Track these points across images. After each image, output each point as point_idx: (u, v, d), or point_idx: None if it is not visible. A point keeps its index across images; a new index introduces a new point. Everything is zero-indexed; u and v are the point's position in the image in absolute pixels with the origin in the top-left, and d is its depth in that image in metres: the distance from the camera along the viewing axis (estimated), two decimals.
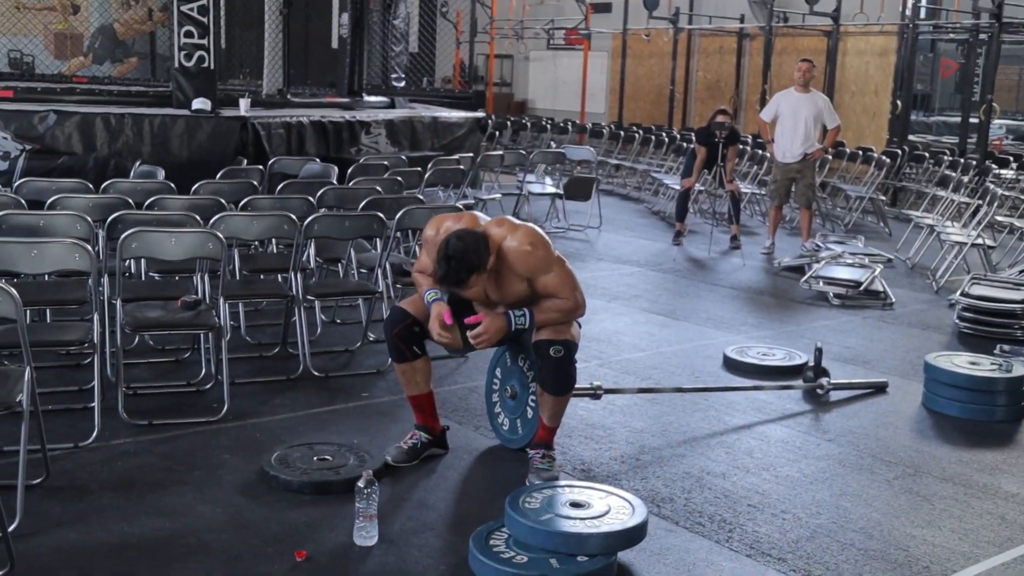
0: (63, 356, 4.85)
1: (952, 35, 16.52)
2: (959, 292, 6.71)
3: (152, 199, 5.55)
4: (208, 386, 4.76)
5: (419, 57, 13.16)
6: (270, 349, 5.43)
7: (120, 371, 4.39)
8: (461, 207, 6.13)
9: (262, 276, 5.81)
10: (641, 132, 14.99)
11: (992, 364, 5.03)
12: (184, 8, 8.82)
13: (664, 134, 14.64)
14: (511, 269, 3.73)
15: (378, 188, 6.45)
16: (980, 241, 8.01)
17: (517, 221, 3.86)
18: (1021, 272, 7.26)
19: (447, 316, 3.79)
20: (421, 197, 6.53)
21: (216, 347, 4.68)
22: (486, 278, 3.69)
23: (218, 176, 6.97)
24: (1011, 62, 16.48)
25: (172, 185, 6.26)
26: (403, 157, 8.95)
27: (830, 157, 11.71)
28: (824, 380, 5.09)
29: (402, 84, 11.66)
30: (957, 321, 6.57)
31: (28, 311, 4.85)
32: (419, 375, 3.99)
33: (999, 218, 9.20)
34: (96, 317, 4.19)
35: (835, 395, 5.10)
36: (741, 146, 11.53)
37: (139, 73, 17.58)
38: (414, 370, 3.97)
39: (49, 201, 5.37)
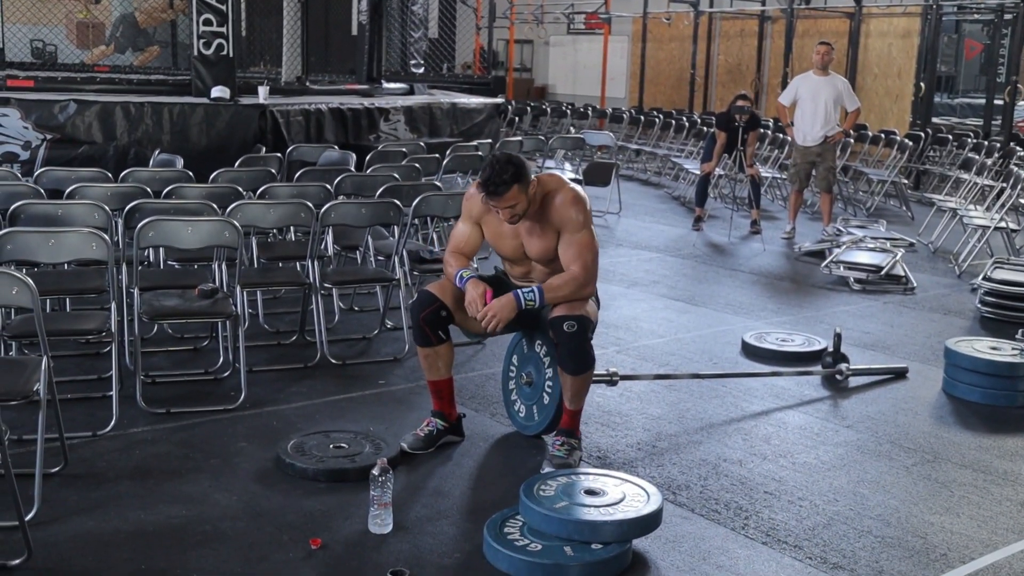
0: (82, 345, 4.88)
1: (977, 16, 16.31)
2: (981, 276, 6.65)
3: (170, 188, 5.57)
4: (226, 374, 4.79)
5: (439, 43, 13.16)
6: (288, 337, 5.45)
7: (138, 359, 4.42)
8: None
9: (280, 264, 5.83)
10: (661, 117, 14.91)
11: (1013, 349, 4.98)
12: None
13: (685, 119, 14.56)
14: (548, 218, 3.82)
15: (396, 175, 6.45)
16: (1003, 224, 7.93)
17: (570, 182, 3.92)
18: None
19: (489, 295, 3.83)
20: (439, 184, 6.52)
21: (233, 335, 4.69)
22: (528, 211, 3.77)
23: (236, 164, 6.98)
24: None
25: (191, 173, 6.28)
26: (422, 144, 8.94)
27: (851, 140, 11.62)
28: (843, 366, 5.06)
29: (421, 70, 11.64)
30: (979, 306, 6.51)
31: (47, 301, 4.92)
32: (441, 360, 3.99)
33: (1023, 201, 9.09)
34: (114, 306, 4.21)
35: (854, 381, 5.07)
36: (762, 131, 11.45)
37: (161, 62, 17.65)
38: (437, 355, 3.97)
39: (68, 190, 5.40)
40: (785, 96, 9.19)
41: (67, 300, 5.22)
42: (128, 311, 4.68)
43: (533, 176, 3.81)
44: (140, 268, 4.69)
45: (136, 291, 4.51)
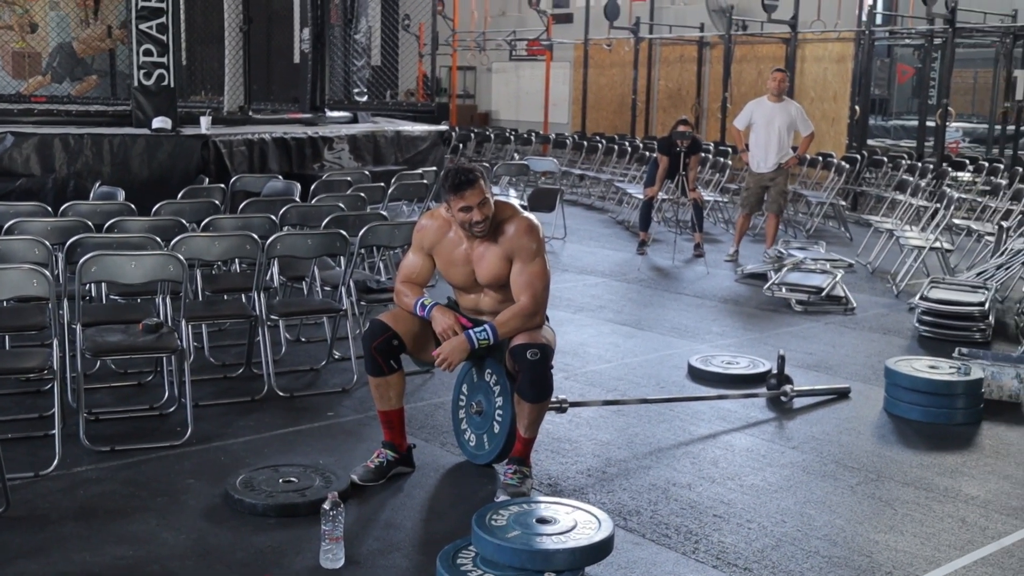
0: (22, 383, 4.80)
1: (908, 40, 16.75)
2: (918, 296, 6.80)
3: (112, 221, 5.50)
4: (171, 409, 4.73)
5: (381, 70, 13.18)
6: (234, 370, 5.40)
7: (81, 397, 4.35)
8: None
9: (225, 296, 5.78)
10: (604, 142, 15.06)
11: (951, 367, 5.10)
12: (143, 27, 8.77)
13: (627, 143, 14.73)
14: (501, 245, 3.87)
15: (341, 205, 6.44)
16: (938, 245, 8.12)
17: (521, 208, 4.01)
18: (979, 275, 7.36)
19: (463, 320, 3.91)
20: (384, 213, 6.52)
21: (179, 370, 4.64)
22: (488, 225, 3.83)
23: (179, 196, 6.93)
24: (965, 65, 16.71)
25: (132, 206, 6.22)
26: (366, 172, 8.93)
27: (805, 165, 11.84)
28: (787, 387, 5.14)
29: (364, 98, 11.64)
30: (917, 325, 6.65)
31: None
32: (393, 390, 3.99)
33: (956, 221, 9.33)
34: (56, 343, 4.15)
35: (799, 402, 5.15)
36: (703, 154, 11.62)
37: (99, 92, 17.44)
38: (388, 385, 3.97)
39: (7, 225, 5.31)
40: (740, 120, 9.30)
41: (6, 337, 5.13)
42: (70, 347, 4.61)
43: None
44: (82, 303, 4.62)
45: (79, 327, 4.45)
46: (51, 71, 18.13)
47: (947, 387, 4.89)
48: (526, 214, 3.97)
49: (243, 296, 5.75)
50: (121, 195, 6.81)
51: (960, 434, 4.79)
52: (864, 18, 14.38)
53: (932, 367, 5.10)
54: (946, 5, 13.15)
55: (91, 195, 7.08)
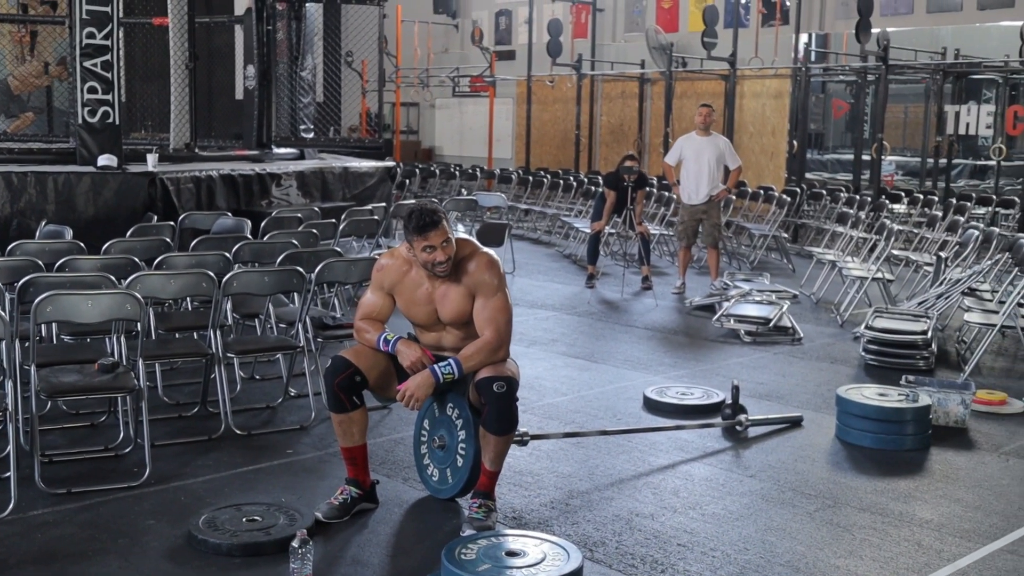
0: None
1: (842, 77, 17.20)
2: (863, 325, 6.96)
3: (63, 260, 5.43)
4: (127, 450, 4.67)
5: (325, 107, 13.18)
6: (189, 409, 5.35)
7: (36, 439, 4.27)
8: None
9: (176, 335, 5.73)
10: (549, 177, 15.19)
11: (900, 395, 5.23)
12: (88, 64, 8.70)
13: (572, 178, 14.88)
14: (462, 282, 3.91)
15: (295, 241, 6.43)
16: (880, 275, 8.32)
17: (483, 247, 4.05)
18: (920, 304, 7.56)
19: (429, 354, 3.93)
20: (339, 249, 6.53)
21: (135, 410, 4.59)
22: (450, 265, 3.86)
23: (128, 234, 6.86)
24: (896, 101, 17.17)
25: (82, 245, 6.15)
26: (316, 209, 8.92)
27: (733, 197, 12.06)
28: (742, 417, 5.22)
29: (311, 135, 11.64)
30: (863, 353, 6.80)
31: None
32: (356, 427, 3.99)
33: (895, 252, 9.57)
34: (10, 384, 4.08)
35: (753, 431, 5.24)
36: (648, 189, 11.79)
37: (35, 128, 17.19)
38: (351, 421, 3.97)
39: None
40: (670, 156, 9.51)
41: None
42: (23, 388, 4.53)
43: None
44: (36, 344, 4.55)
45: (33, 368, 4.38)
46: None
47: (897, 414, 5.01)
48: (485, 250, 4.02)
49: (195, 334, 5.71)
50: (69, 234, 6.73)
51: (911, 460, 4.90)
52: (800, 55, 14.75)
53: (881, 395, 5.23)
54: (878, 43, 13.55)
55: (37, 234, 6.98)
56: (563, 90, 18.63)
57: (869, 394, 5.23)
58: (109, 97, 8.84)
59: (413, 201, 10.48)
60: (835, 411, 5.27)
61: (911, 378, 5.64)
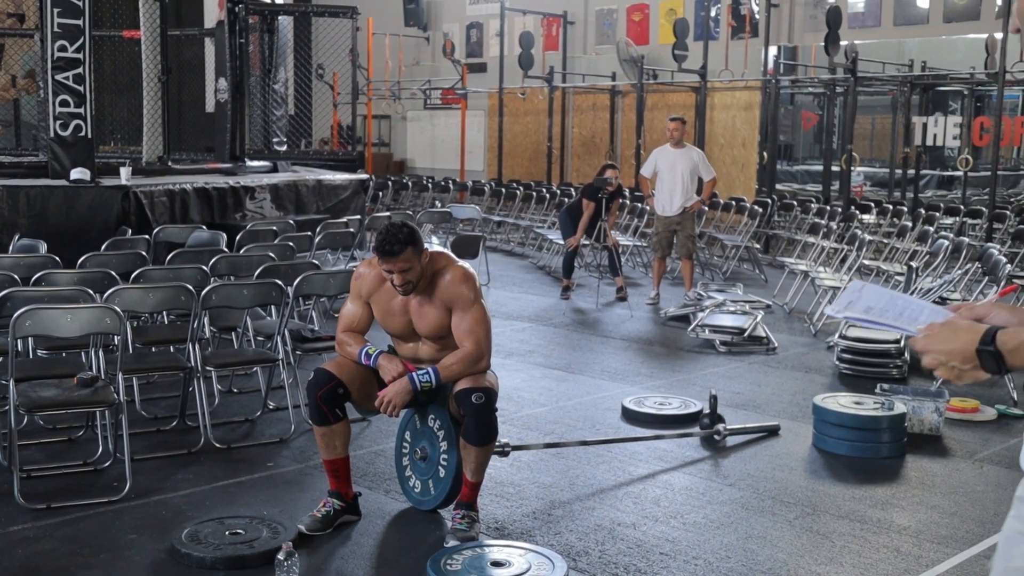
0: None
1: (811, 89, 17.39)
2: (837, 335, 7.04)
3: (39, 274, 5.40)
4: (106, 464, 4.64)
5: (296, 119, 13.18)
6: (167, 423, 5.32)
7: (15, 454, 4.24)
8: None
9: (154, 348, 5.70)
10: (522, 189, 15.24)
11: (875, 403, 5.29)
12: (59, 77, 8.65)
13: (544, 190, 14.92)
14: (438, 295, 3.91)
15: (271, 254, 6.42)
16: None
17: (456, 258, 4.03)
18: None
19: (410, 367, 3.93)
20: (316, 262, 6.52)
21: (115, 424, 4.56)
22: (420, 283, 3.87)
23: (103, 247, 6.82)
24: (864, 112, 17.36)
25: (57, 259, 6.11)
26: (291, 222, 8.91)
27: (707, 208, 12.16)
28: (720, 426, 5.26)
29: (284, 148, 11.62)
30: (837, 362, 6.88)
31: None
32: (338, 439, 3.99)
33: (866, 262, 9.68)
34: None
35: (732, 440, 5.28)
36: (621, 200, 11.86)
37: (3, 142, 17.06)
38: (334, 434, 3.97)
39: None
40: (645, 168, 9.58)
41: None
42: (1, 404, 4.50)
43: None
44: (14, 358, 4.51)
45: (11, 383, 4.35)
46: None
47: (873, 422, 5.08)
48: (461, 263, 4.04)
49: (172, 347, 5.68)
50: (43, 247, 6.68)
51: (887, 467, 4.96)
52: (769, 68, 14.90)
53: (857, 403, 5.29)
54: (846, 56, 13.72)
55: (11, 247, 6.92)
56: (535, 102, 18.70)
57: (845, 402, 5.29)
58: (81, 110, 8.80)
59: (387, 214, 10.51)
60: (812, 419, 5.33)
61: (886, 386, 5.71)
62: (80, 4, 8.64)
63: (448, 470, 4.10)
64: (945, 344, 1.62)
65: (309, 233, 8.02)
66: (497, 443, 4.53)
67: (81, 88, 8.77)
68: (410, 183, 17.35)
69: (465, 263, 4.06)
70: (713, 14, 17.27)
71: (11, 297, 4.72)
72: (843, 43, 13.94)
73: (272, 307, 5.79)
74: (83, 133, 8.82)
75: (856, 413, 5.12)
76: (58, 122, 8.74)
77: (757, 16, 16.90)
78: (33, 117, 15.88)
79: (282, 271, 5.79)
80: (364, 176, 11.88)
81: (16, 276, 5.38)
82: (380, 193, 16.19)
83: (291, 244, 7.21)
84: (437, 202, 14.94)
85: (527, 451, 4.94)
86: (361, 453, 4.97)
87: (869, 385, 6.08)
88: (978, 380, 1.64)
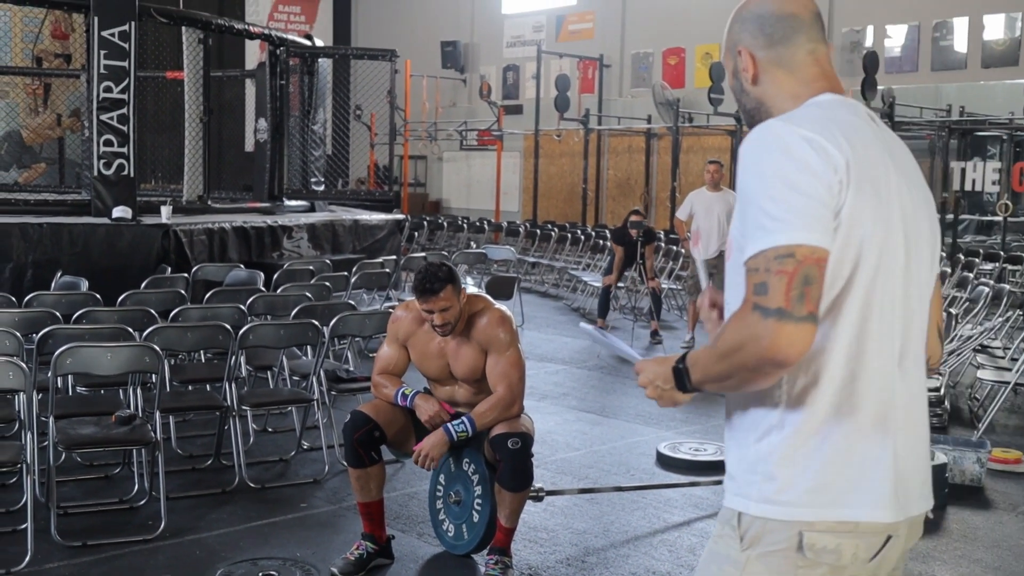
0: None
1: None
2: None
3: (80, 312, 5.47)
4: (142, 502, 4.66)
5: (334, 159, 13.34)
6: (202, 461, 5.35)
7: (53, 491, 4.27)
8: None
9: (190, 387, 5.75)
10: (556, 230, 15.27)
11: None
12: (104, 117, 8.81)
13: (579, 231, 14.95)
14: (474, 338, 3.92)
15: (308, 294, 6.47)
16: None
17: (496, 302, 4.06)
18: None
19: (447, 407, 3.95)
20: (352, 303, 6.56)
21: (151, 462, 4.59)
22: (458, 325, 3.86)
23: (143, 285, 6.90)
24: None
25: (98, 296, 6.19)
26: (327, 261, 8.98)
27: None
28: None
29: (322, 188, 11.74)
30: None
31: None
32: (373, 482, 3.99)
33: None
34: (29, 436, 4.09)
35: None
36: (656, 243, 11.85)
37: (47, 179, 17.39)
38: (369, 476, 3.97)
39: None
40: (681, 211, 9.57)
41: None
42: (39, 440, 4.54)
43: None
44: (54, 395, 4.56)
45: (51, 419, 4.39)
46: None
47: None
48: (498, 306, 4.05)
49: (207, 386, 5.72)
50: (84, 285, 6.77)
51: (927, 519, 4.86)
52: None
53: None
54: (883, 100, 13.70)
55: (53, 284, 7.02)
56: (570, 144, 18.81)
57: None
58: (124, 150, 8.94)
59: (423, 254, 10.56)
60: None
61: None
62: (126, 46, 8.82)
63: (482, 515, 4.08)
64: (654, 367, 1.82)
65: (345, 273, 8.08)
66: (532, 488, 4.52)
67: (125, 128, 8.92)
68: (445, 223, 17.45)
69: (502, 305, 4.07)
70: None
71: (53, 335, 4.78)
72: (880, 88, 13.93)
73: (308, 347, 5.82)
74: (126, 172, 8.96)
75: None
76: (102, 161, 8.88)
77: None
78: (77, 155, 16.20)
79: (318, 311, 5.82)
80: (400, 216, 11.97)
81: (58, 313, 5.45)
82: (416, 233, 16.28)
83: (327, 284, 7.26)
84: (472, 243, 15.02)
85: (561, 496, 4.90)
86: (395, 495, 4.96)
87: None
88: (678, 402, 1.81)
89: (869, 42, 16.35)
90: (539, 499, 4.60)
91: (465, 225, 17.01)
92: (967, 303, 8.84)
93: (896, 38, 16.33)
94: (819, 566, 1.70)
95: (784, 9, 1.85)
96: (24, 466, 4.07)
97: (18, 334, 4.76)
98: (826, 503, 1.69)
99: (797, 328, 1.61)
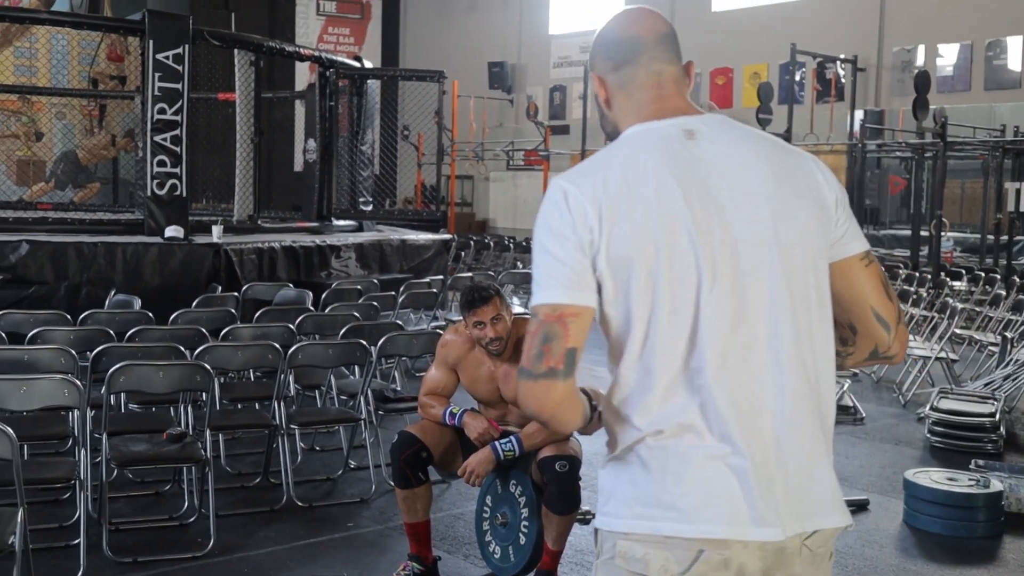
0: (39, 492, 4.77)
1: (898, 153, 17.16)
2: (928, 406, 6.84)
3: (133, 330, 5.55)
4: (191, 519, 4.70)
5: (381, 179, 13.46)
6: (251, 479, 5.38)
7: (105, 507, 4.33)
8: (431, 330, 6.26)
9: (239, 405, 5.80)
10: None
11: (970, 480, 5.11)
12: (158, 138, 8.96)
13: None
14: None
15: (356, 314, 6.51)
16: (943, 355, 8.19)
17: None
18: (987, 385, 7.42)
19: (495, 424, 3.96)
20: (399, 322, 6.59)
21: (201, 479, 4.63)
22: (508, 345, 3.88)
23: (194, 304, 6.99)
24: (953, 176, 17.10)
25: (150, 315, 6.27)
26: (375, 281, 9.03)
27: None
28: None
29: (369, 208, 11.84)
30: (928, 435, 6.67)
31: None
32: (420, 502, 4.00)
33: (958, 331, 9.43)
34: (83, 452, 4.16)
35: None
36: None
37: (101, 198, 17.71)
38: (415, 497, 3.98)
39: (30, 334, 5.35)
40: None
41: (24, 446, 5.11)
42: (92, 456, 4.60)
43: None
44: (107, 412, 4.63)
45: (104, 436, 4.45)
46: (55, 178, 18.43)
47: (968, 500, 4.90)
48: None
49: (256, 404, 5.77)
50: (137, 303, 6.87)
51: (982, 548, 4.78)
52: (855, 131, 14.76)
53: (951, 479, 5.11)
54: (935, 120, 13.54)
55: (107, 303, 7.13)
56: None
57: (938, 478, 5.12)
58: (177, 170, 9.08)
59: (469, 274, 10.59)
60: (902, 495, 5.16)
61: (981, 462, 5.52)
62: (180, 69, 8.97)
63: (529, 537, 4.06)
64: None
65: (392, 292, 8.12)
66: (579, 510, 4.50)
67: (178, 149, 9.06)
68: (492, 243, 17.49)
69: None
70: (798, 78, 17.21)
71: (107, 352, 4.85)
72: (932, 107, 13.77)
73: (356, 366, 5.85)
74: (178, 192, 9.09)
75: (950, 490, 4.94)
76: (155, 181, 9.02)
77: (843, 80, 16.79)
78: (130, 175, 16.49)
79: (366, 331, 5.85)
80: (447, 236, 12.02)
81: (111, 331, 5.53)
82: (462, 253, 16.33)
83: (375, 303, 7.30)
84: (518, 262, 15.03)
85: None
86: (441, 516, 4.95)
87: (962, 460, 5.88)
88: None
89: (920, 61, 16.19)
90: (587, 522, 4.56)
91: (511, 245, 17.03)
92: (1022, 326, 8.68)
93: (948, 57, 16.15)
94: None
95: (626, 32, 1.89)
96: (77, 482, 4.13)
97: (73, 352, 4.84)
98: (636, 515, 1.73)
99: (535, 385, 1.73)
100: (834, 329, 1.86)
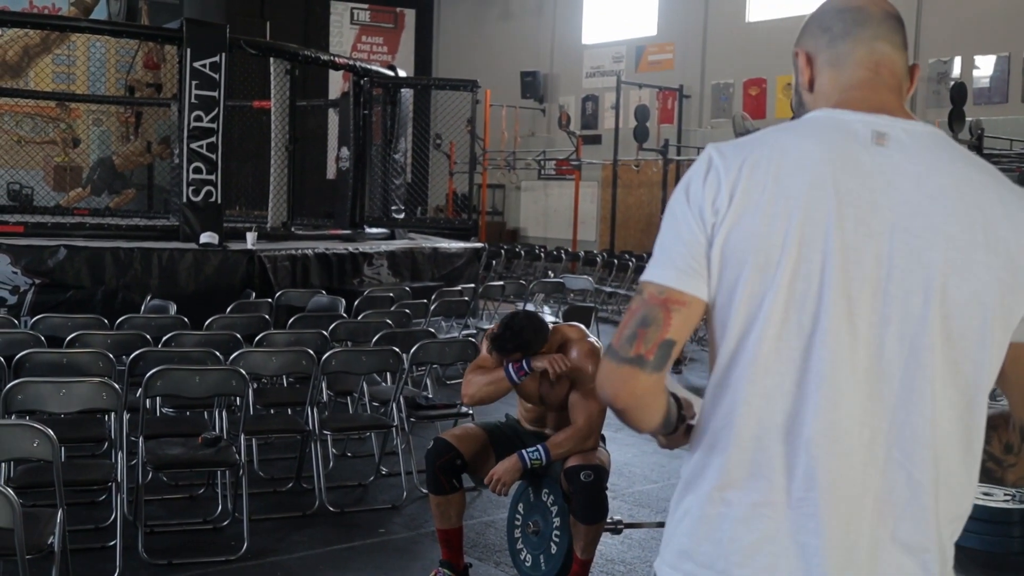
0: (76, 493, 4.83)
1: None
2: None
3: (169, 335, 5.61)
4: (225, 523, 4.74)
5: (413, 187, 13.53)
6: (283, 484, 5.42)
7: (142, 509, 4.38)
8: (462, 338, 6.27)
9: (272, 410, 5.85)
10: (634, 260, 15.23)
11: (1006, 495, 5.06)
12: (194, 145, 9.06)
13: None
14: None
15: (388, 321, 6.54)
16: None
17: (590, 335, 4.01)
18: None
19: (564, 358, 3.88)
20: (432, 330, 6.62)
21: (235, 484, 4.68)
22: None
23: (228, 310, 7.05)
24: None
25: (185, 320, 6.34)
26: (407, 288, 9.07)
27: None
28: None
29: (402, 216, 11.90)
30: None
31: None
32: (453, 509, 4.01)
33: None
34: (120, 455, 4.21)
35: None
36: None
37: (136, 204, 17.92)
38: (449, 503, 4.00)
39: (68, 338, 5.42)
40: None
41: (62, 448, 5.18)
42: (129, 459, 4.66)
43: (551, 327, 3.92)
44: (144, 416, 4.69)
45: (140, 439, 4.50)
46: (91, 184, 18.68)
47: (1004, 515, 4.84)
48: (590, 338, 4.02)
49: (289, 410, 5.81)
50: (173, 308, 6.95)
51: (1018, 564, 4.73)
52: None
53: (986, 494, 5.06)
54: (971, 132, 13.42)
55: (143, 308, 7.22)
56: (648, 174, 18.78)
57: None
58: (212, 177, 9.18)
59: (501, 283, 10.61)
60: None
61: None
62: (216, 77, 9.07)
63: (560, 546, 4.06)
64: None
65: (424, 300, 8.15)
66: (609, 519, 4.49)
67: (213, 156, 9.16)
68: (523, 252, 17.52)
69: (594, 338, 4.06)
70: None
71: (144, 357, 4.91)
72: (968, 119, 13.65)
73: (388, 373, 5.88)
74: (213, 199, 9.18)
75: (985, 505, 4.89)
76: (191, 188, 9.12)
77: None
78: (165, 182, 16.69)
79: (399, 338, 5.89)
80: (478, 244, 12.06)
81: (148, 336, 5.60)
82: (493, 261, 16.37)
83: (407, 311, 7.34)
84: (549, 271, 15.04)
85: (639, 529, 4.86)
86: (472, 523, 4.96)
87: None
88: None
89: (956, 73, 16.06)
90: (617, 532, 4.57)
91: (542, 254, 17.04)
92: None
93: (984, 69, 16.01)
94: None
95: (851, 3, 1.61)
96: (114, 484, 4.18)
97: (111, 355, 4.90)
98: (686, 573, 1.55)
99: (618, 369, 1.51)
100: (994, 430, 1.55)
